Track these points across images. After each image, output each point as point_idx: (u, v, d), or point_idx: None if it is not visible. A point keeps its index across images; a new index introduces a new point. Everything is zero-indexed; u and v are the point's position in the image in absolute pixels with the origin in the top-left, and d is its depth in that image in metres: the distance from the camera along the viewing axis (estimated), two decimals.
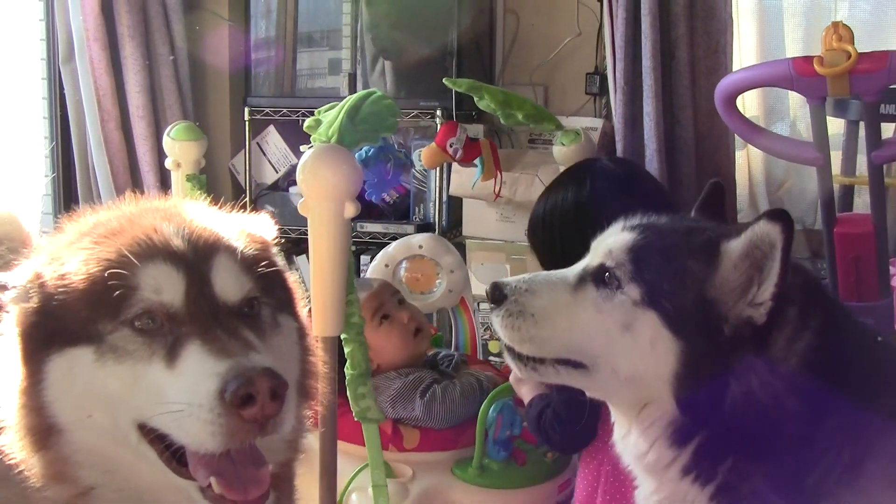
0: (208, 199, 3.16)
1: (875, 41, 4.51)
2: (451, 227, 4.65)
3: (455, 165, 4.01)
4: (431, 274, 3.39)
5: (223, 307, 1.31)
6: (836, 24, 2.30)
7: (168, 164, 3.41)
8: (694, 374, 1.53)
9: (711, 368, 1.52)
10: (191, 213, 1.42)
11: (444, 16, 4.60)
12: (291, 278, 1.54)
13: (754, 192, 4.79)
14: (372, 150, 2.95)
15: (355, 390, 2.52)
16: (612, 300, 1.60)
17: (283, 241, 4.61)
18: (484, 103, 3.03)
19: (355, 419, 2.55)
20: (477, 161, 3.14)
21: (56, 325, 1.27)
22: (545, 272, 1.79)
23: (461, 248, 4.61)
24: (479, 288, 4.51)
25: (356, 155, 2.88)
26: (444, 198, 4.54)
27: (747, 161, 4.74)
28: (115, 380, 1.25)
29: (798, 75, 2.33)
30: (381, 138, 2.87)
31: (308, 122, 2.55)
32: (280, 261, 1.53)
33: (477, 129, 4.63)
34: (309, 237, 2.35)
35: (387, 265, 3.46)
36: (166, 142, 3.38)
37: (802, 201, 4.67)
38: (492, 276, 4.44)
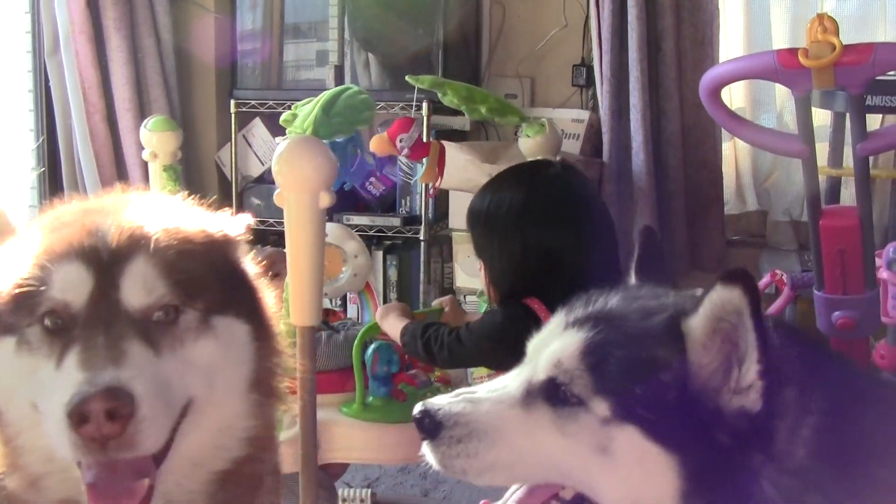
0: (186, 190, 3.16)
1: (861, 34, 4.50)
2: (438, 220, 4.65)
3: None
4: (337, 260, 3.44)
5: (126, 313, 1.28)
6: (820, 17, 2.30)
7: (145, 155, 3.43)
8: (703, 489, 1.27)
9: (721, 477, 1.26)
10: (135, 210, 1.38)
11: (430, 8, 4.60)
12: (254, 277, 1.49)
13: (741, 184, 4.79)
14: (342, 139, 2.94)
15: None
16: (577, 421, 1.31)
17: (268, 233, 4.61)
18: (447, 99, 3.05)
19: None
20: (424, 160, 3.15)
21: None
22: (477, 389, 1.45)
23: (448, 241, 4.62)
24: (465, 280, 4.51)
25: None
26: (431, 191, 4.53)
27: (734, 153, 4.74)
28: (26, 372, 1.27)
29: (783, 67, 2.33)
30: (355, 131, 2.88)
31: (285, 115, 2.56)
32: (241, 258, 1.48)
33: (462, 122, 4.64)
34: (285, 227, 2.36)
35: None
36: (143, 134, 3.41)
37: (789, 193, 4.67)
38: (478, 268, 4.44)
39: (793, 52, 2.31)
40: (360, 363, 2.88)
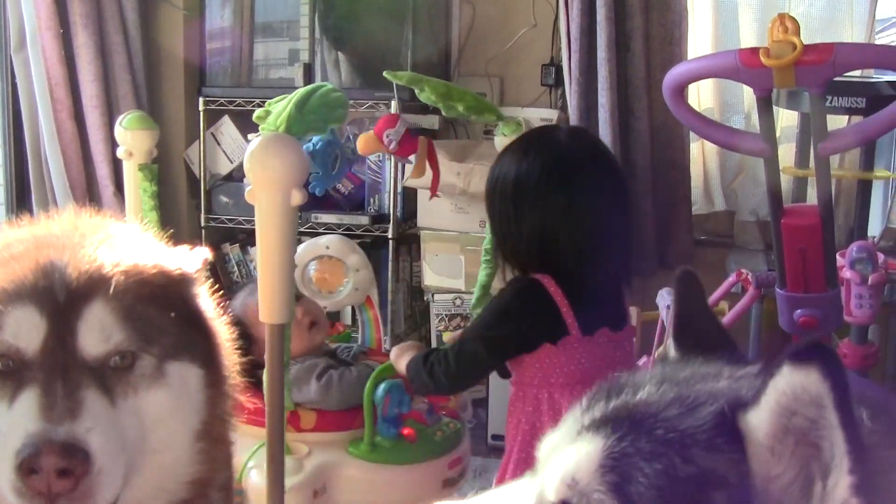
0: (158, 189, 3.14)
1: (828, 35, 4.54)
2: (406, 219, 4.65)
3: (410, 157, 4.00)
4: (339, 273, 3.43)
5: (82, 360, 1.25)
6: (782, 16, 2.31)
7: (120, 153, 3.38)
8: None
9: None
10: (91, 245, 1.33)
11: (400, 7, 4.60)
12: (210, 316, 1.46)
13: (709, 184, 4.81)
14: (320, 143, 2.93)
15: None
16: None
17: (237, 231, 4.62)
18: (425, 95, 3.03)
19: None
20: (412, 157, 3.14)
21: None
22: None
23: (416, 239, 4.62)
24: (433, 279, 4.52)
25: (304, 147, 2.87)
26: (399, 189, 4.54)
27: (702, 152, 4.76)
28: None
29: (744, 67, 2.34)
30: (329, 131, 2.86)
31: (258, 112, 2.55)
32: (197, 296, 1.44)
33: (432, 120, 4.63)
34: (256, 225, 2.35)
35: (295, 266, 3.51)
36: (118, 131, 3.35)
37: (756, 193, 4.69)
38: (446, 266, 4.46)
39: (754, 51, 2.32)
40: (370, 404, 2.81)
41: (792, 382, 0.86)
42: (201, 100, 4.80)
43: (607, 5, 4.36)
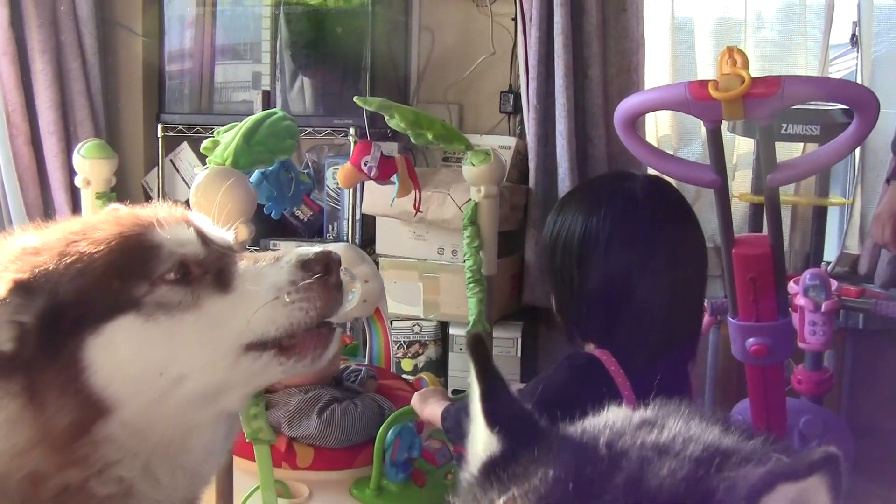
0: None
1: (782, 61, 4.59)
2: (365, 245, 4.65)
3: (368, 183, 4.00)
4: (346, 284, 3.39)
5: (224, 246, 1.40)
6: (730, 49, 2.32)
7: (78, 181, 3.37)
8: None
9: None
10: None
11: (359, 33, 4.61)
12: None
13: None
14: (275, 165, 2.93)
15: (247, 411, 2.49)
16: None
17: None
18: (394, 122, 3.03)
19: (247, 440, 2.53)
20: (393, 178, 3.14)
21: (79, 310, 1.24)
22: None
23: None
24: (392, 306, 4.51)
25: (256, 171, 2.87)
26: (358, 216, 4.54)
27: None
28: (174, 332, 1.28)
29: (693, 99, 2.35)
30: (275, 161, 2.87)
31: (205, 143, 2.54)
32: None
33: (391, 147, 4.63)
34: None
35: None
36: (76, 159, 3.35)
37: (714, 218, 4.67)
38: (405, 293, 4.45)
39: (703, 84, 2.33)
40: (381, 447, 2.72)
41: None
42: (160, 126, 4.79)
43: (565, 33, 4.39)
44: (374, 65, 4.63)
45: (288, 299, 1.31)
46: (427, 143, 3.09)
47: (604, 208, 2.14)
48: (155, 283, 1.27)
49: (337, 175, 3.03)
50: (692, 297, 2.22)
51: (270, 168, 2.88)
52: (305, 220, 4.75)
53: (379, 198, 4.04)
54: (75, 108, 4.81)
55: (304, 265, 1.33)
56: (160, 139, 4.78)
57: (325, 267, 1.34)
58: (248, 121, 2.48)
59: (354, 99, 3.02)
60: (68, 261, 1.26)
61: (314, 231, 4.76)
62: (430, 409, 2.49)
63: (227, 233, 1.45)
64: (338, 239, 4.66)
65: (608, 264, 2.10)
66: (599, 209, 2.14)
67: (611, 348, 2.13)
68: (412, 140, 3.08)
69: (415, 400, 2.57)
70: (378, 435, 2.71)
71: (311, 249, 1.37)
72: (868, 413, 4.30)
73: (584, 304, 2.15)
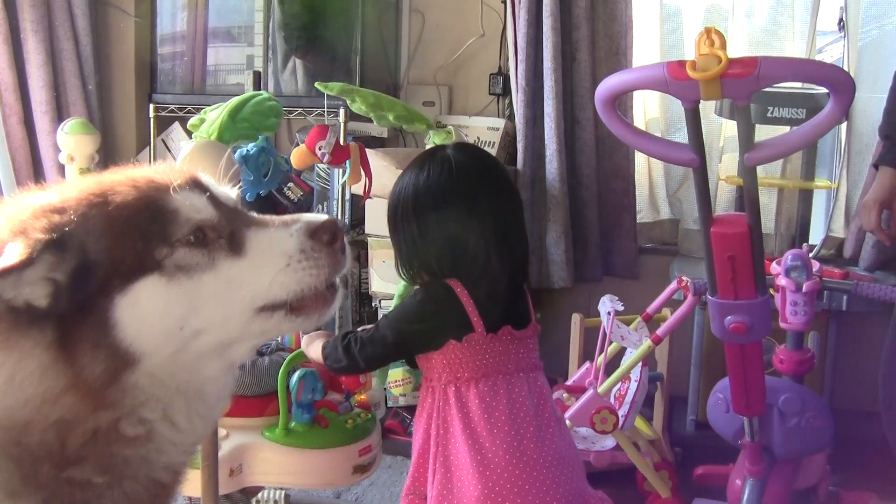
0: None
1: (770, 49, 4.62)
2: (354, 226, 4.69)
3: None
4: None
5: (232, 207, 1.46)
6: (708, 30, 2.35)
7: (62, 157, 3.42)
8: None
9: None
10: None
11: (349, 15, 4.63)
12: None
13: (654, 193, 4.87)
14: (253, 149, 2.97)
15: None
16: None
17: None
18: (356, 106, 3.09)
19: None
20: (347, 164, 3.18)
21: (107, 270, 1.31)
22: None
23: (364, 246, 4.65)
24: (381, 285, 4.56)
25: (238, 151, 2.91)
26: (347, 196, 4.56)
27: (647, 162, 4.82)
28: (193, 291, 1.35)
29: (672, 79, 2.38)
30: (264, 138, 2.91)
31: (193, 120, 2.60)
32: None
33: (381, 128, 4.67)
34: None
35: None
36: (60, 136, 3.41)
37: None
38: (392, 273, 4.47)
39: (681, 64, 2.36)
40: (284, 390, 2.93)
41: None
42: (151, 106, 4.80)
43: (553, 16, 4.42)
44: (364, 46, 4.66)
45: (299, 266, 1.40)
46: (389, 125, 3.17)
47: (427, 169, 2.44)
48: (174, 246, 1.34)
49: (291, 156, 3.08)
50: (516, 236, 2.46)
51: (251, 151, 2.93)
52: (296, 199, 4.78)
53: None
54: (68, 89, 4.84)
55: (313, 232, 1.40)
56: (152, 119, 4.79)
57: (333, 234, 1.41)
58: (235, 100, 2.55)
59: (316, 84, 3.10)
60: (94, 222, 1.32)
61: (304, 211, 4.78)
62: (314, 348, 2.67)
63: (231, 190, 1.50)
64: None
65: (441, 215, 2.38)
66: (423, 171, 2.44)
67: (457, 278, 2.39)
68: (375, 122, 3.14)
69: (303, 342, 2.75)
70: (279, 376, 2.91)
71: (320, 217, 1.43)
72: (850, 393, 4.34)
73: (430, 255, 2.40)
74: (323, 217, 1.42)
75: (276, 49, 4.85)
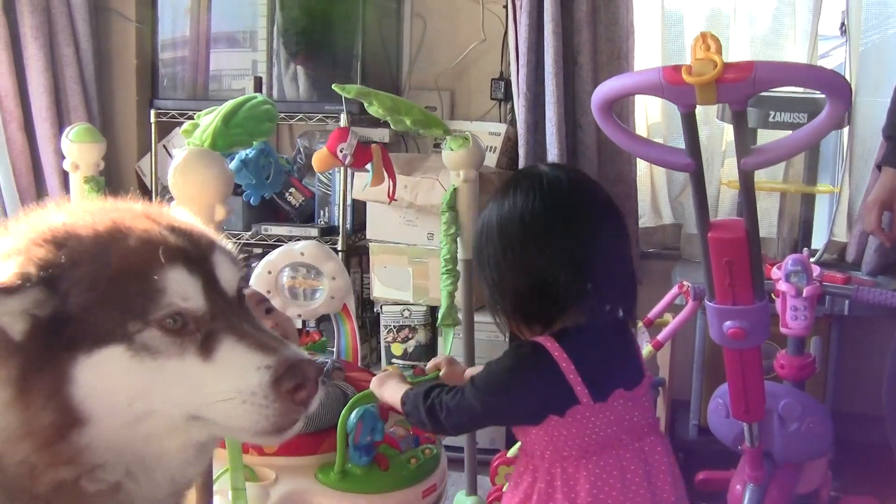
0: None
1: (771, 51, 4.61)
2: (356, 231, 4.68)
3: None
4: (313, 280, 3.40)
5: (229, 299, 1.39)
6: (704, 35, 2.34)
7: (66, 165, 3.40)
8: None
9: None
10: (162, 213, 1.44)
11: (351, 19, 4.63)
12: None
13: (656, 197, 4.86)
14: (253, 151, 2.96)
15: None
16: None
17: None
18: (373, 109, 3.06)
19: None
20: (368, 166, 3.16)
21: (79, 328, 1.27)
22: None
23: (365, 251, 4.65)
24: (382, 290, 4.55)
25: (237, 156, 2.89)
26: (349, 201, 4.57)
27: (649, 167, 4.81)
28: (152, 373, 1.30)
29: (668, 84, 2.36)
30: (262, 142, 2.89)
31: (186, 126, 2.58)
32: None
33: (382, 133, 4.67)
34: None
35: (269, 272, 3.48)
36: (65, 143, 3.38)
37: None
38: (394, 278, 4.48)
39: (677, 69, 2.34)
40: (343, 432, 2.74)
41: None
42: (153, 112, 4.81)
43: (555, 20, 4.40)
44: (366, 51, 4.65)
45: (243, 405, 1.31)
46: (406, 129, 3.12)
47: (513, 193, 2.15)
48: (149, 324, 1.29)
49: (312, 159, 3.05)
50: (621, 270, 2.20)
51: (250, 155, 2.91)
52: (297, 205, 4.78)
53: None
54: (68, 94, 4.83)
55: (279, 379, 1.32)
56: (153, 125, 4.80)
57: (298, 385, 1.33)
58: (228, 104, 2.52)
59: (333, 86, 3.04)
60: (85, 273, 1.29)
61: (306, 216, 4.79)
62: (388, 392, 2.45)
63: (235, 276, 1.42)
64: (329, 224, 4.69)
65: (527, 243, 2.10)
66: (510, 195, 2.15)
67: (553, 334, 2.11)
68: (392, 126, 3.10)
69: (374, 384, 2.54)
70: (340, 418, 2.72)
71: (296, 359, 1.33)
72: (853, 399, 4.32)
73: (517, 290, 2.12)
74: (300, 359, 1.34)
75: (279, 54, 4.84)
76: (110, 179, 4.91)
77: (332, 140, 3.04)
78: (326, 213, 4.75)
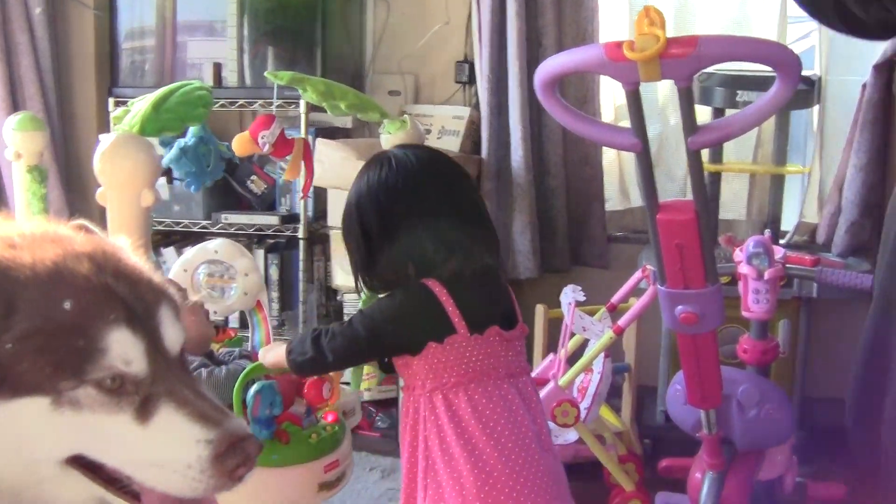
0: (60, 190, 3.10)
1: (743, 32, 4.54)
2: (317, 218, 4.61)
3: (318, 155, 3.97)
4: (227, 279, 3.41)
5: (172, 361, 1.30)
6: (647, 9, 2.26)
7: (9, 154, 3.33)
8: None
9: None
10: (106, 254, 1.33)
11: (313, 3, 4.55)
12: None
13: (623, 180, 4.80)
14: (192, 140, 2.89)
15: None
16: None
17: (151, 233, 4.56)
18: (308, 95, 3.02)
19: None
20: (289, 157, 3.11)
21: (5, 373, 1.18)
22: None
23: (327, 239, 4.58)
24: (344, 279, 4.48)
25: (176, 143, 2.82)
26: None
27: (617, 150, 4.73)
28: (72, 427, 1.22)
29: (610, 60, 2.29)
30: (202, 127, 2.82)
31: (117, 112, 2.52)
32: None
33: (345, 119, 4.62)
34: (108, 226, 2.30)
35: (185, 270, 3.48)
36: (7, 132, 3.30)
37: (672, 188, 4.68)
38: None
39: (619, 44, 2.27)
40: (240, 405, 2.76)
41: None
42: (111, 101, 4.73)
43: (518, 2, 4.34)
44: (329, 35, 4.58)
45: (175, 474, 1.24)
46: (342, 114, 3.09)
47: (366, 175, 2.35)
48: (83, 383, 1.20)
49: (233, 141, 2.99)
50: (477, 224, 2.35)
51: (189, 143, 2.85)
52: (259, 193, 4.71)
53: (328, 169, 3.99)
54: (24, 83, 4.75)
55: (221, 455, 1.25)
56: (111, 113, 4.72)
57: (240, 463, 1.27)
58: (161, 90, 2.47)
59: (266, 74, 3.03)
60: (21, 318, 1.19)
61: (267, 205, 4.72)
62: (272, 353, 2.59)
63: (181, 334, 1.34)
64: (290, 212, 4.63)
65: (391, 215, 2.28)
66: (362, 178, 2.36)
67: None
68: (328, 111, 3.05)
69: (261, 354, 2.67)
70: (235, 390, 2.75)
71: (240, 434, 1.27)
72: (823, 383, 4.27)
73: (390, 259, 2.29)
74: (242, 436, 1.28)
75: (248, 40, 4.76)
76: (69, 169, 4.86)
77: (256, 126, 2.96)
78: (288, 201, 4.68)
